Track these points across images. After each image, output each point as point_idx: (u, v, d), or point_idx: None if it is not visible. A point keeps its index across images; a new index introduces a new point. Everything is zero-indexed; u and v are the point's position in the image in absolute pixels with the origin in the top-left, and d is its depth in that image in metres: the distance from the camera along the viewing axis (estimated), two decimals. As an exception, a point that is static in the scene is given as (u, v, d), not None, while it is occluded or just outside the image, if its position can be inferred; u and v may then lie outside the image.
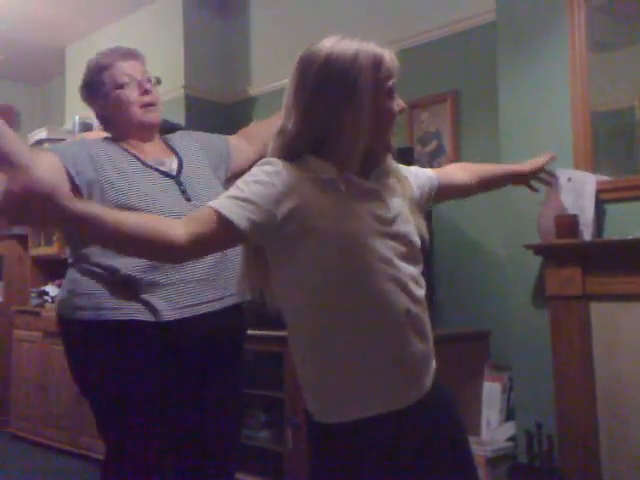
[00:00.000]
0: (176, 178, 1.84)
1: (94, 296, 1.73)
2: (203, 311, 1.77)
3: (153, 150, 1.91)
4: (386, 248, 1.26)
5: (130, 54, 1.93)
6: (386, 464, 1.26)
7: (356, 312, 1.25)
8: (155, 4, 4.42)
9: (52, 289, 4.58)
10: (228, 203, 1.23)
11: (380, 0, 3.59)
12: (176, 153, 1.93)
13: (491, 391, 2.81)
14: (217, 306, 1.79)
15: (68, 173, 1.74)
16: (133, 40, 4.39)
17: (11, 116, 5.69)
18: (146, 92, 1.88)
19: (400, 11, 3.50)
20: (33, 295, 4.69)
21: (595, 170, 2.53)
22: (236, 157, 2.02)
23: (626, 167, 2.53)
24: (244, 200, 1.22)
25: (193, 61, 4.25)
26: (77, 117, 4.66)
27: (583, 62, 2.57)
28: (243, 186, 1.25)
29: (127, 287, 1.71)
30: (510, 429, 2.71)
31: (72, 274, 1.80)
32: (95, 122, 4.55)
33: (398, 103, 1.34)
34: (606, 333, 2.44)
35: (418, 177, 1.52)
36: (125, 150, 1.86)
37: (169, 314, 1.72)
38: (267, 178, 1.24)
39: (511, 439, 2.68)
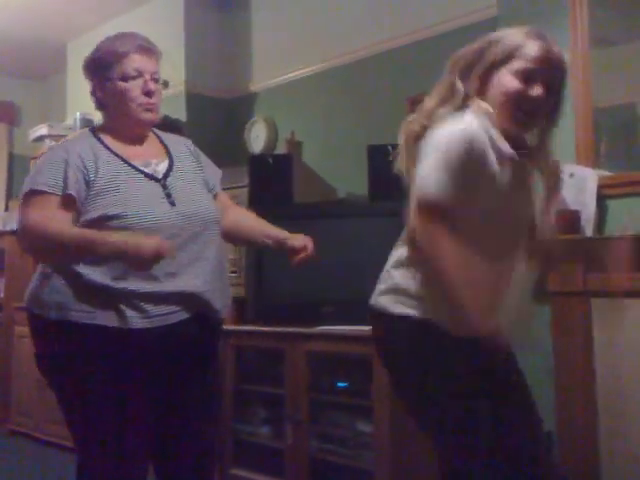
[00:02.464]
0: (161, 181, 1.81)
1: (63, 295, 1.71)
2: (172, 321, 1.75)
3: (143, 150, 1.87)
4: None
5: (146, 49, 1.86)
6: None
7: None
8: (157, 0, 4.41)
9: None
10: None
11: (381, -4, 3.58)
12: (169, 154, 1.90)
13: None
14: (186, 315, 1.78)
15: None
16: (134, 36, 4.42)
17: (11, 113, 5.71)
18: (148, 93, 1.82)
19: (401, 6, 3.48)
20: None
21: (597, 166, 2.52)
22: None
23: (628, 163, 2.52)
24: None
25: (194, 57, 4.23)
26: (78, 113, 4.65)
27: (585, 57, 2.56)
28: None
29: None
30: (511, 426, 2.70)
31: (44, 268, 1.79)
32: (96, 118, 4.56)
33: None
34: (607, 330, 2.43)
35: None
36: (108, 149, 1.81)
37: (137, 322, 1.70)
38: None
39: (511, 436, 2.67)
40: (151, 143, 1.91)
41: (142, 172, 1.80)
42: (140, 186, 1.77)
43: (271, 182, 3.31)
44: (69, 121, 4.88)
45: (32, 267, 4.80)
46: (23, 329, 4.59)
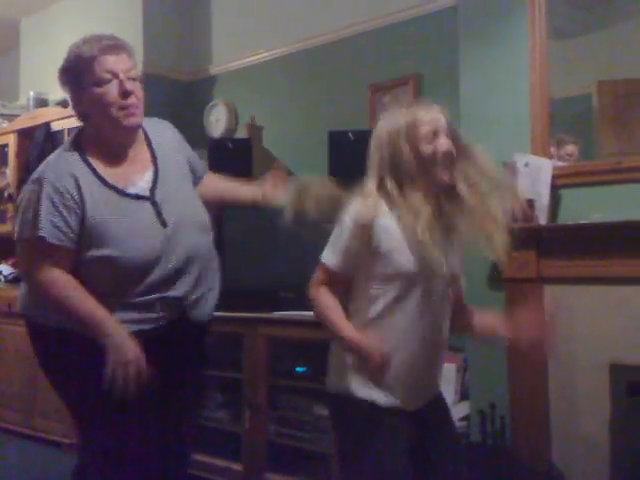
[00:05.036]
0: (150, 199, 1.78)
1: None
2: (161, 323, 1.79)
3: (128, 165, 1.81)
4: None
5: (116, 47, 1.75)
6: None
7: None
8: (114, -22, 4.31)
9: (5, 268, 4.47)
10: None
11: (343, -19, 3.57)
12: (154, 158, 1.85)
13: (446, 371, 2.84)
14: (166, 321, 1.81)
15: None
16: (90, 14, 4.32)
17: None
18: (125, 93, 1.73)
19: (363, -7, 3.48)
20: (-15, 274, 4.57)
21: (551, 156, 2.57)
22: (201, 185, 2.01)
23: (582, 153, 2.58)
24: None
25: (152, 37, 4.14)
26: (32, 92, 4.54)
27: (542, 48, 2.60)
28: None
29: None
30: (464, 409, 2.76)
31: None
32: (50, 97, 4.46)
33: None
34: (559, 315, 2.50)
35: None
36: (92, 171, 1.75)
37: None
38: None
39: (465, 419, 2.73)
40: (137, 148, 1.85)
41: (127, 195, 1.76)
42: (128, 213, 1.73)
43: (231, 167, 3.28)
44: (22, 100, 4.75)
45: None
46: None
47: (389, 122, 1.65)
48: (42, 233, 1.66)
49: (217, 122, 4.00)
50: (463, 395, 2.82)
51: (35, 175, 1.74)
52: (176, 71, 4.25)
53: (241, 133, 3.88)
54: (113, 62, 1.73)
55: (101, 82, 1.72)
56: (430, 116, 1.62)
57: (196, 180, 1.98)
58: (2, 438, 4.09)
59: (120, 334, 1.67)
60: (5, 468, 3.51)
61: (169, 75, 4.20)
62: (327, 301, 1.64)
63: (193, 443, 2.07)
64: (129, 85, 1.74)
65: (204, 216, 1.91)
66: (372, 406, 1.62)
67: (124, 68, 1.74)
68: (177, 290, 1.79)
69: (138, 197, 1.77)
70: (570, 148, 2.58)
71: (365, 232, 1.58)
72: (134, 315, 1.75)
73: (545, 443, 2.50)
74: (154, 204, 1.77)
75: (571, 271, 2.45)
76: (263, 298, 2.99)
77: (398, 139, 1.60)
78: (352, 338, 1.57)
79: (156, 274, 1.75)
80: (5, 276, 4.42)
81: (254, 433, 2.93)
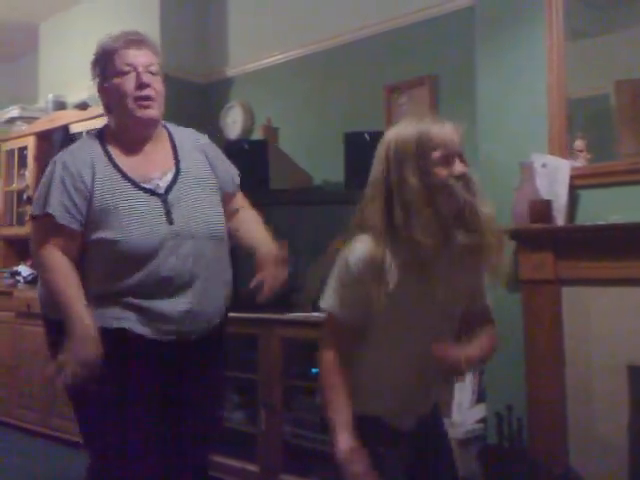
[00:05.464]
0: (162, 196, 1.78)
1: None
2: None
3: (148, 160, 1.82)
4: None
5: (136, 42, 1.81)
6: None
7: None
8: (131, -19, 4.35)
9: (24, 269, 4.52)
10: None
11: (360, -18, 3.57)
12: (176, 159, 1.85)
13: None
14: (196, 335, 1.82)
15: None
16: (108, 17, 4.35)
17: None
18: (141, 85, 1.76)
19: (379, -6, 3.48)
20: (5, 275, 4.63)
21: (569, 156, 2.56)
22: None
23: (600, 154, 2.56)
24: None
25: (170, 40, 4.16)
26: (50, 95, 4.59)
27: (560, 49, 2.58)
28: None
29: None
30: (481, 411, 2.74)
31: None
32: (69, 100, 4.50)
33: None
34: (577, 317, 2.48)
35: None
36: (110, 160, 1.78)
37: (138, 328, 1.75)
38: None
39: (482, 421, 2.72)
40: (159, 146, 1.86)
41: (142, 188, 1.77)
42: (138, 205, 1.74)
43: (247, 168, 3.28)
44: (41, 103, 4.81)
45: (1, 252, 4.76)
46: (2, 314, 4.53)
47: (399, 136, 1.51)
48: (50, 211, 1.71)
49: (234, 124, 4.03)
50: (480, 397, 2.80)
51: (55, 158, 1.81)
52: (193, 73, 4.28)
53: (257, 134, 3.90)
54: (133, 55, 1.78)
55: (120, 73, 1.77)
56: (444, 136, 1.49)
57: (223, 194, 1.94)
58: (21, 438, 4.13)
59: (84, 332, 1.65)
60: (24, 467, 3.55)
61: (186, 77, 4.22)
62: (333, 379, 1.52)
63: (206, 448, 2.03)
64: (146, 77, 1.77)
65: (218, 225, 1.86)
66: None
67: (144, 62, 1.79)
68: (168, 303, 1.75)
69: (152, 192, 1.78)
70: (578, 143, 2.56)
71: (377, 272, 1.46)
72: (129, 315, 1.74)
73: (562, 446, 2.48)
74: (165, 202, 1.77)
75: (589, 272, 2.43)
76: (277, 299, 2.99)
77: (407, 159, 1.47)
78: (341, 452, 1.50)
79: (152, 271, 1.72)
80: (24, 277, 4.47)
81: (270, 434, 2.93)
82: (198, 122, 4.16)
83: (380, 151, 1.53)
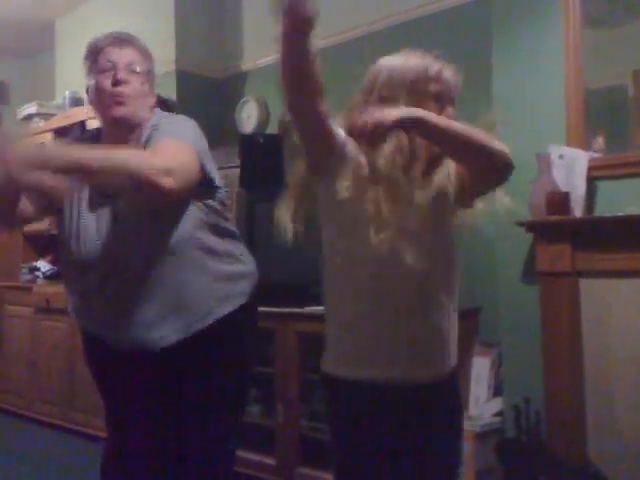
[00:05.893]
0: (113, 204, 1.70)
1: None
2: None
3: None
4: None
5: (120, 40, 1.77)
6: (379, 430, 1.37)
7: None
8: (146, -23, 4.36)
9: (43, 265, 4.56)
10: None
11: (374, -26, 3.55)
12: None
13: (480, 367, 2.83)
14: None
15: None
16: (124, 13, 4.37)
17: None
18: (116, 82, 1.69)
19: (394, -15, 3.46)
20: (24, 271, 4.68)
21: (587, 147, 2.53)
22: None
23: (618, 144, 2.53)
24: None
25: (184, 35, 4.19)
26: (67, 92, 4.62)
27: (577, 39, 2.56)
28: None
29: None
30: (498, 404, 2.73)
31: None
32: (85, 96, 4.53)
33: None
34: (595, 309, 2.46)
35: None
36: None
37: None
38: None
39: (499, 414, 2.71)
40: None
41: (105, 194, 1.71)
42: (88, 213, 1.72)
43: (262, 162, 3.31)
44: (58, 100, 4.84)
45: (21, 247, 4.82)
46: (12, 308, 4.60)
47: (396, 62, 1.53)
48: None
49: (248, 118, 4.03)
50: (497, 390, 2.79)
51: None
52: (207, 68, 4.29)
53: (272, 129, 3.90)
54: (115, 53, 1.74)
55: (102, 70, 1.73)
56: (444, 75, 1.48)
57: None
58: (41, 432, 4.18)
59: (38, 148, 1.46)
60: (44, 461, 3.59)
61: (201, 72, 4.24)
62: None
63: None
64: (122, 74, 1.71)
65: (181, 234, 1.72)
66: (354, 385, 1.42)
67: (125, 60, 1.73)
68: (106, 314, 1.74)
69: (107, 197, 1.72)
70: (598, 140, 2.53)
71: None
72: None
73: (581, 439, 2.46)
74: (114, 209, 1.70)
75: (606, 264, 2.40)
76: (294, 293, 3.00)
77: (399, 86, 1.46)
78: None
79: (92, 275, 1.71)
80: (43, 272, 4.51)
81: (287, 427, 2.94)
82: (213, 117, 4.20)
83: (369, 75, 1.54)
